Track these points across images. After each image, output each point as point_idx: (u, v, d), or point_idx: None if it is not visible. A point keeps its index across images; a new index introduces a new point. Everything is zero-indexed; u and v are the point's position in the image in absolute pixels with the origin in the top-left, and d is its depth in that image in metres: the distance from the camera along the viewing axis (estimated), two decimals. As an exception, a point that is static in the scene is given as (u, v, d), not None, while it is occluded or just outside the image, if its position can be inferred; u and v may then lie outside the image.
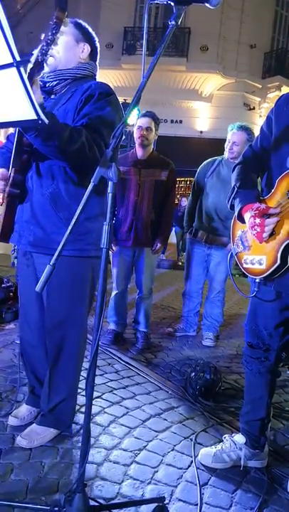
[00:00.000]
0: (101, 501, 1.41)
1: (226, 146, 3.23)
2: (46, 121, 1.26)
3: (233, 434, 1.83)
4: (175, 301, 4.80)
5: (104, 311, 1.17)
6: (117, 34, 12.30)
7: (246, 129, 3.16)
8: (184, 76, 12.64)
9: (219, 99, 13.14)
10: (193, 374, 2.43)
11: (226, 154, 3.24)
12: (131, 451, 1.77)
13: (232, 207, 1.63)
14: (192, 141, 12.47)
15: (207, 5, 1.19)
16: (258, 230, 1.44)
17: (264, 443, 1.76)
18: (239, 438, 1.77)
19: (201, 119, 13.19)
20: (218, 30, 12.25)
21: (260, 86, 13.33)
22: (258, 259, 1.51)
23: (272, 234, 1.45)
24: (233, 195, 1.61)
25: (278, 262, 1.42)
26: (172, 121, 12.88)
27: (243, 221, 1.57)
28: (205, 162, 3.42)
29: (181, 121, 13.07)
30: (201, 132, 12.96)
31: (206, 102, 13.16)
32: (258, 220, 1.44)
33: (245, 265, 1.59)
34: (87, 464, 1.22)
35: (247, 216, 1.50)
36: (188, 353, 3.14)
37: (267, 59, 13.42)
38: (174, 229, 9.06)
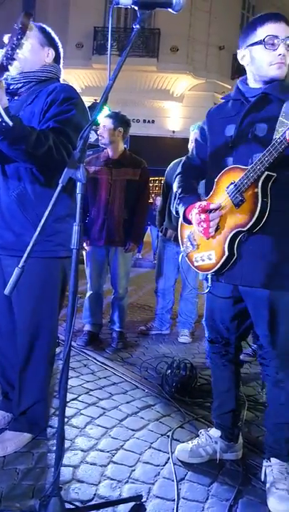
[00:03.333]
0: (78, 504, 1.40)
1: (189, 146, 3.28)
2: (10, 123, 1.25)
3: (208, 429, 1.86)
4: (151, 299, 4.82)
5: (76, 312, 1.17)
6: (87, 34, 12.22)
7: None
8: (154, 76, 12.70)
9: (190, 99, 13.26)
10: (169, 371, 2.45)
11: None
12: (108, 452, 1.77)
13: (177, 212, 1.71)
14: (165, 141, 12.53)
15: (170, 10, 1.22)
16: (204, 225, 1.52)
17: (238, 434, 1.80)
18: (214, 432, 1.80)
19: (173, 118, 13.29)
20: (188, 31, 12.36)
21: (229, 86, 13.52)
22: (207, 254, 1.59)
23: (218, 229, 1.53)
24: (176, 201, 1.70)
25: (226, 253, 1.50)
26: (144, 121, 12.91)
27: (188, 222, 1.64)
28: (172, 162, 3.45)
29: (153, 121, 13.12)
30: (174, 132, 13.06)
31: (178, 102, 13.27)
32: (203, 216, 1.52)
33: (196, 263, 1.66)
34: (63, 467, 1.22)
35: (192, 214, 1.57)
36: (164, 350, 3.16)
37: (235, 60, 13.52)
38: (149, 228, 9.10)
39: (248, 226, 1.45)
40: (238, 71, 13.57)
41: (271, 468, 1.59)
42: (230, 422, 1.77)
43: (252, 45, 1.50)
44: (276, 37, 1.45)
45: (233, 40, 13.54)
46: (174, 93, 13.12)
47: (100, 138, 2.99)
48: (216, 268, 1.56)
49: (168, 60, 12.24)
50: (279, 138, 1.36)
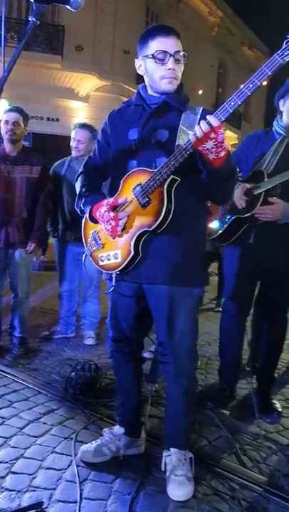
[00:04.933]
0: (-29, 521, 1.31)
1: (71, 144, 3.30)
2: None
3: (112, 427, 1.88)
4: (56, 303, 4.70)
5: None
6: (-16, 22, 11.46)
7: (89, 127, 3.29)
8: (59, 74, 12.41)
9: (96, 100, 13.26)
10: (73, 373, 2.42)
11: (73, 153, 3.31)
12: (6, 462, 1.68)
13: (82, 212, 1.71)
14: (70, 141, 12.33)
15: (68, 7, 1.22)
16: (113, 224, 1.54)
17: (140, 429, 1.85)
18: (118, 429, 1.84)
19: (79, 118, 13.11)
20: (93, 32, 12.35)
21: (134, 91, 13.81)
22: (113, 253, 1.61)
23: (124, 228, 1.56)
24: (81, 201, 1.69)
25: (132, 252, 1.54)
26: (48, 119, 12.54)
27: (95, 221, 1.64)
28: (56, 164, 3.42)
29: (57, 120, 12.81)
30: (79, 132, 12.92)
31: (83, 102, 13.17)
32: (112, 214, 1.54)
33: (101, 263, 1.67)
34: None
35: (100, 212, 1.57)
36: (69, 354, 3.11)
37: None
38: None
39: (154, 227, 1.49)
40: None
41: (170, 457, 1.67)
42: (134, 418, 1.82)
43: (145, 57, 1.57)
44: (165, 52, 1.51)
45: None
46: (79, 92, 12.99)
47: (9, 134, 2.83)
48: (121, 267, 1.58)
49: (73, 59, 12.07)
50: (184, 144, 1.43)
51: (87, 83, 12.95)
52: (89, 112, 13.27)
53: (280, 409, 2.32)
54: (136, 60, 1.64)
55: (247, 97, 1.33)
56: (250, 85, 1.31)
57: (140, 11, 13.76)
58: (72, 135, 3.27)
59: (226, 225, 2.23)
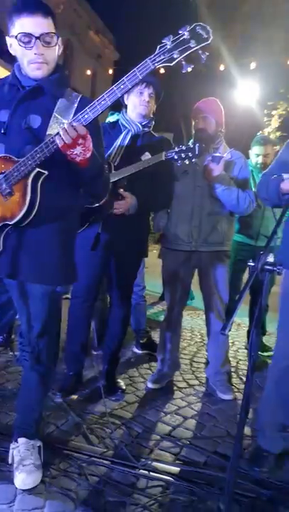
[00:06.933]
0: None
1: None
2: None
3: None
4: None
5: None
6: None
7: None
8: None
9: None
10: None
11: None
12: None
13: None
14: None
15: None
16: None
17: (-15, 427, 1.77)
18: None
19: None
20: None
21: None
22: None
23: None
24: None
25: None
26: None
27: None
28: None
29: None
30: None
31: None
32: None
33: None
34: None
35: None
36: None
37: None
38: None
39: (14, 221, 1.41)
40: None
41: (18, 448, 1.65)
42: None
43: (12, 36, 1.42)
44: (30, 34, 1.38)
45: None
46: None
47: None
48: None
49: None
50: (52, 138, 1.35)
51: None
52: None
53: (123, 387, 2.50)
54: (7, 38, 1.46)
55: (117, 97, 1.31)
56: (122, 86, 1.30)
57: None
58: None
59: None
